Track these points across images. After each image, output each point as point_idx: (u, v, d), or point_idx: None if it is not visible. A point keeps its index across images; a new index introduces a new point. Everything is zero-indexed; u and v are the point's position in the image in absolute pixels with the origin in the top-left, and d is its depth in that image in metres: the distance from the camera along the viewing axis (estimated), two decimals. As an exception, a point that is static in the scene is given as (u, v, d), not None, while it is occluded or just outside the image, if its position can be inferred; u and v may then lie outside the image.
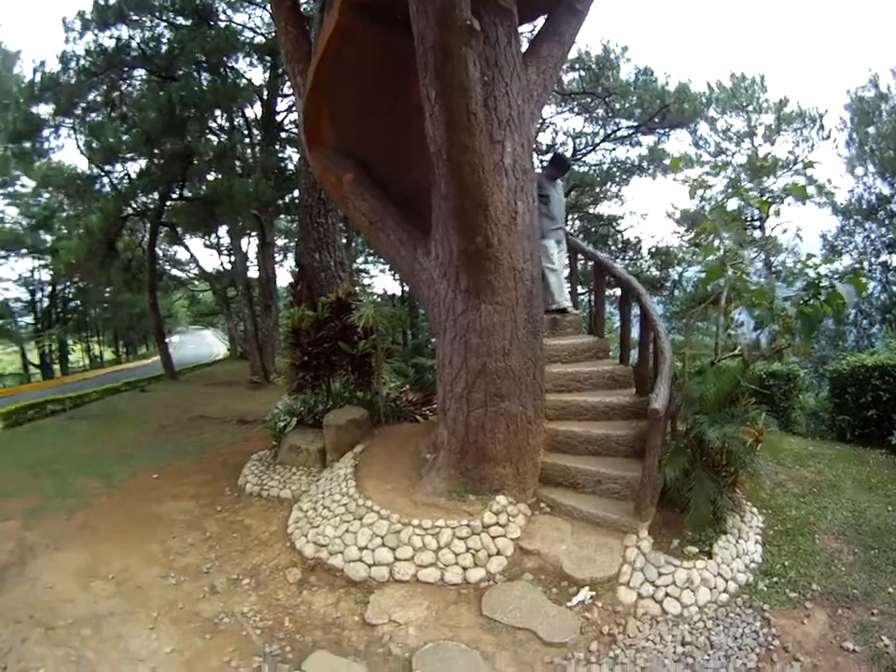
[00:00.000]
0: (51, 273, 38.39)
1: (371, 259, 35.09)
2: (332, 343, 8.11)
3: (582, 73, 21.70)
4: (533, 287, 5.13)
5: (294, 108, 21.19)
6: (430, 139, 4.34)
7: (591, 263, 8.07)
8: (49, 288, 42.17)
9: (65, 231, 31.98)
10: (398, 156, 5.79)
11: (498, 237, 4.56)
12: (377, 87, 5.47)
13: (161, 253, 31.37)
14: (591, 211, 27.49)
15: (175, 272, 37.23)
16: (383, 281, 36.84)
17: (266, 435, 8.18)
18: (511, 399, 5.13)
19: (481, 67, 4.09)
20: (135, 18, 18.96)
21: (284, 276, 29.71)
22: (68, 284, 39.38)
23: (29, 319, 43.47)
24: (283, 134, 23.11)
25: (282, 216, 27.02)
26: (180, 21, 19.59)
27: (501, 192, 4.62)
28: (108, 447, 10.65)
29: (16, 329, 42.67)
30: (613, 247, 26.41)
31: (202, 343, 60.50)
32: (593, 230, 26.97)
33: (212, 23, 19.42)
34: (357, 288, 11.19)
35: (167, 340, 27.40)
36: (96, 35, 19.15)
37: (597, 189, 26.68)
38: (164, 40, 19.52)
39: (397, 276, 31.10)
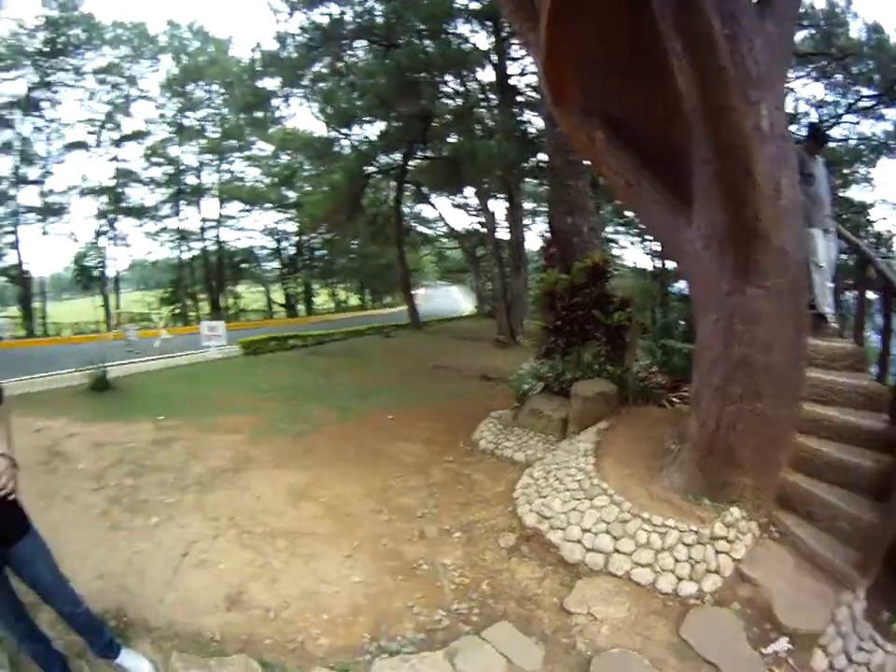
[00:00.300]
0: (297, 224, 43.00)
1: (620, 229, 34.48)
2: (586, 311, 7.82)
3: (812, 30, 19.46)
4: (799, 275, 4.49)
5: (526, 72, 21.58)
6: (685, 96, 4.00)
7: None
8: (296, 238, 46.87)
9: (308, 188, 36.23)
10: (651, 115, 5.38)
11: (765, 211, 4.07)
12: (617, 38, 5.04)
13: (407, 210, 33.43)
14: (840, 194, 23.91)
15: (421, 229, 40.01)
16: (632, 253, 35.88)
17: (508, 395, 8.28)
18: (768, 401, 4.51)
19: (720, 20, 3.67)
20: (341, -5, 19.96)
21: (533, 240, 30.14)
22: (314, 235, 43.11)
23: (275, 265, 48.74)
24: (519, 98, 23.13)
25: (527, 179, 27.23)
26: (388, -7, 20.28)
27: (764, 160, 4.15)
28: (347, 383, 11.44)
29: (261, 272, 48.30)
30: (865, 240, 23.26)
31: (448, 299, 63.57)
32: (844, 216, 23.20)
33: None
34: (606, 258, 10.91)
35: (414, 292, 28.79)
36: (306, 13, 20.67)
37: (845, 170, 23.74)
38: (377, 12, 20.31)
39: (647, 251, 30.26)
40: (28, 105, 35.13)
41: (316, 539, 4.74)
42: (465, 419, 8.26)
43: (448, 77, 21.76)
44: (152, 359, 15.19)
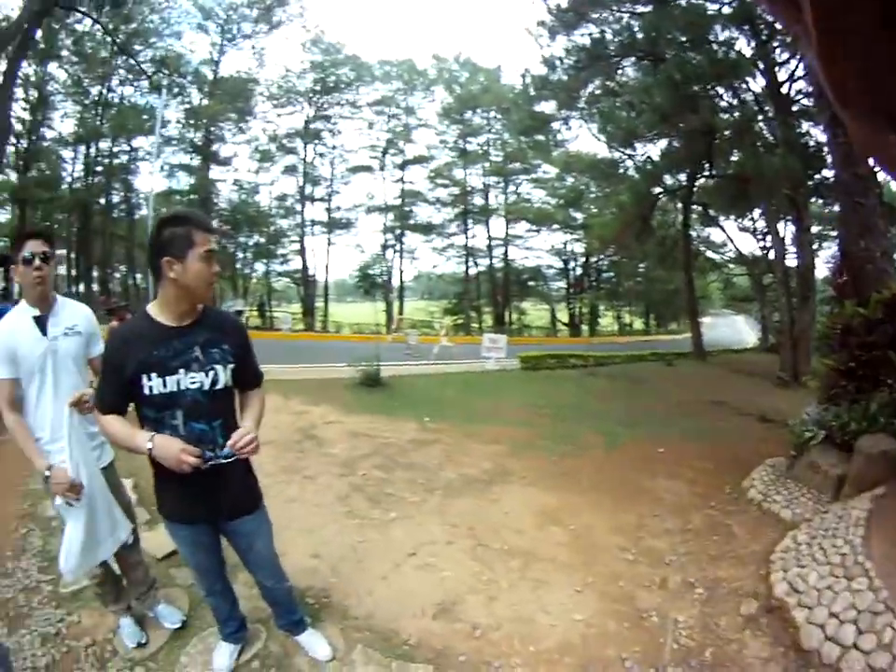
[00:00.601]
0: (584, 245, 45.05)
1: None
2: (882, 352, 6.87)
3: None
4: None
5: (795, 77, 19.97)
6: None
7: None
8: (583, 259, 49.39)
9: (594, 210, 37.94)
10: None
11: None
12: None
13: (694, 234, 32.60)
14: None
15: (709, 253, 39.05)
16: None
17: (786, 441, 7.51)
18: None
19: None
20: (595, 15, 20.38)
21: (819, 267, 27.77)
22: (601, 257, 45.29)
23: (561, 284, 51.81)
24: (794, 107, 21.41)
25: (812, 198, 25.18)
26: (639, 8, 20.18)
27: None
28: (620, 408, 11.44)
29: (548, 290, 51.52)
30: None
31: (733, 329, 60.63)
32: None
33: (672, 3, 19.18)
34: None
35: (699, 320, 28.02)
36: (566, 36, 21.29)
37: None
38: (636, 28, 20.24)
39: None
40: (308, 135, 43.09)
41: (552, 566, 4.68)
42: (735, 463, 7.71)
43: (720, 90, 20.96)
44: (429, 364, 16.75)
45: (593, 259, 48.46)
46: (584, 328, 51.39)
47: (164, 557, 4.28)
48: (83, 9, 21.67)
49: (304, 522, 5.17)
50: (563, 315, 52.03)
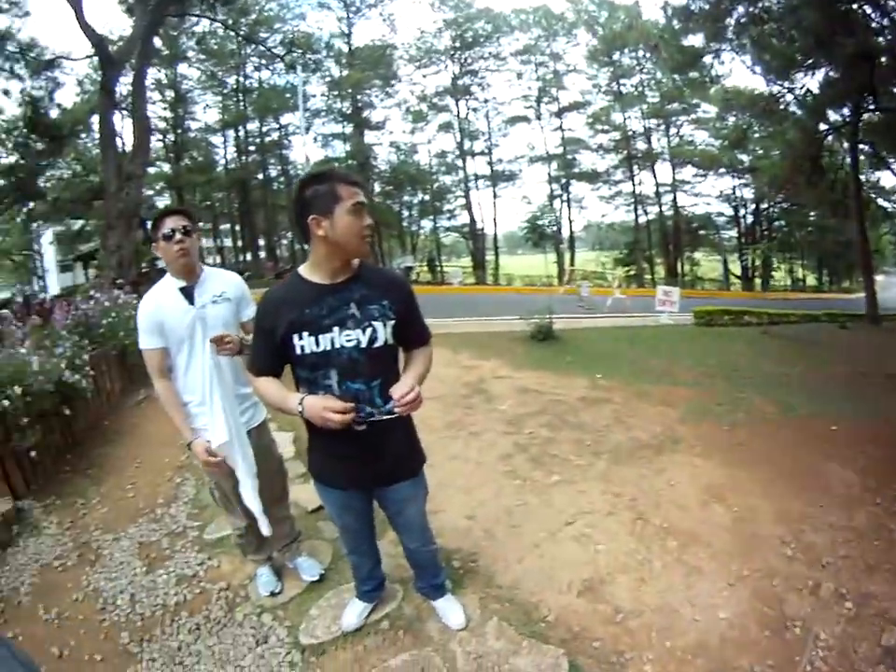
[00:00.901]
0: (753, 191, 43.37)
1: None
2: None
3: None
4: None
5: None
6: None
7: None
8: (753, 206, 47.48)
9: (760, 151, 35.90)
10: None
11: None
12: None
13: (863, 178, 29.64)
14: None
15: (880, 201, 35.41)
16: None
17: None
18: None
19: None
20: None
21: None
22: (772, 203, 43.63)
23: (733, 233, 50.20)
24: None
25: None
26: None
27: None
28: (793, 374, 10.68)
29: (719, 240, 50.00)
30: None
31: None
32: None
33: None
34: None
35: (873, 277, 25.89)
36: None
37: None
38: None
39: None
40: (457, 91, 44.86)
41: (709, 552, 4.27)
42: (903, 453, 7.07)
43: (868, 9, 18.46)
44: (602, 317, 16.79)
45: (763, 206, 46.25)
46: (757, 281, 49.35)
47: (315, 510, 4.41)
48: (196, 13, 22.85)
49: (464, 480, 5.15)
50: (735, 267, 49.97)
